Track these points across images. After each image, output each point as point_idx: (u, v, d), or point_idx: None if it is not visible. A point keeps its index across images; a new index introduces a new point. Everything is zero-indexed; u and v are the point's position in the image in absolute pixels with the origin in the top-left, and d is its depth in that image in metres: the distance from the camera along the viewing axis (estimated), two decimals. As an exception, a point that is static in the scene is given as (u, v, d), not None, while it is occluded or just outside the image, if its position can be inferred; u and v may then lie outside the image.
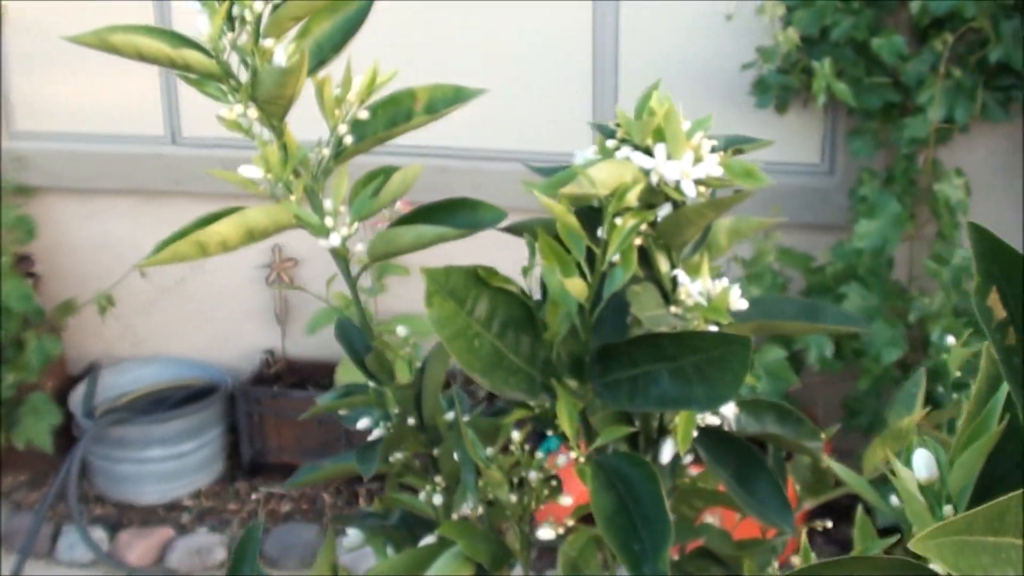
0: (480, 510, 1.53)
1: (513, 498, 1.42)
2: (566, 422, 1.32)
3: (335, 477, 1.64)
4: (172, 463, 4.29)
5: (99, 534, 4.13)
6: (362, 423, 1.63)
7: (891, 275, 3.82)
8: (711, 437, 1.43)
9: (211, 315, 4.63)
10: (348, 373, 4.29)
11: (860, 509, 1.49)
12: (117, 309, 4.53)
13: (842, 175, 4.02)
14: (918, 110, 3.70)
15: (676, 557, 1.62)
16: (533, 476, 1.43)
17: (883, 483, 1.48)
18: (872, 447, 1.65)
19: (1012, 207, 3.95)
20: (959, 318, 3.69)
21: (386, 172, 1.58)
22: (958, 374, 1.76)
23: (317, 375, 4.51)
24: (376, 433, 1.62)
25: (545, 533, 1.45)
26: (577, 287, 1.25)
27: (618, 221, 1.25)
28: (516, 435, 1.44)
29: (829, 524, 1.78)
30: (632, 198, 1.23)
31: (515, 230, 1.48)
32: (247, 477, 4.44)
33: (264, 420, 4.35)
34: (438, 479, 1.60)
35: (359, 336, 1.60)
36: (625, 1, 4.00)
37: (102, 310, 4.39)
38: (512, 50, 4.14)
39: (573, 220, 1.24)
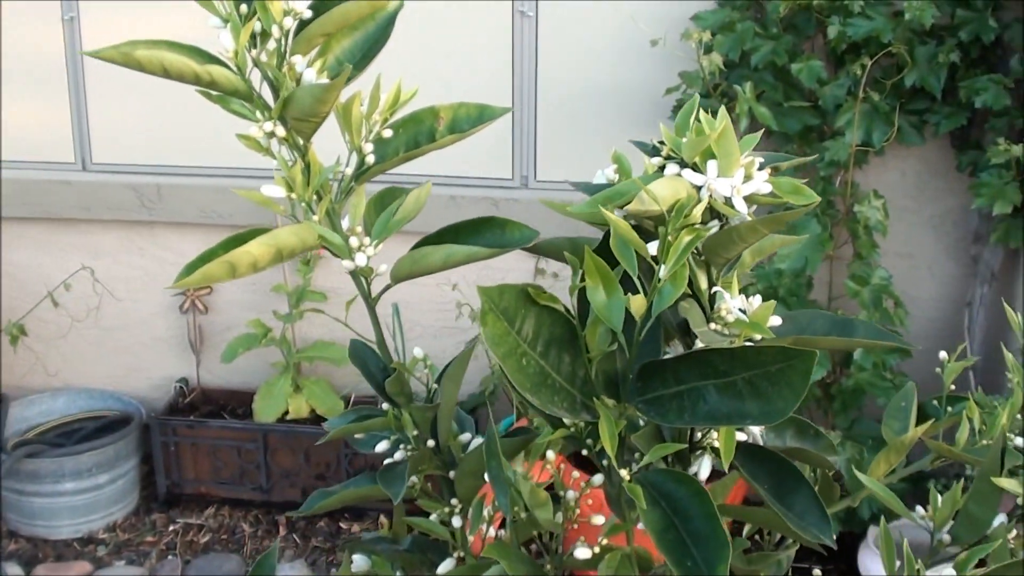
0: (504, 532, 1.52)
1: (549, 517, 1.41)
2: (607, 440, 1.32)
3: (349, 503, 1.61)
4: (86, 496, 4.20)
5: (14, 570, 4.02)
6: (381, 446, 1.60)
7: (811, 295, 3.87)
8: (747, 452, 1.43)
9: (124, 344, 4.55)
10: (267, 401, 4.24)
11: (883, 521, 1.51)
12: (27, 339, 4.43)
13: (760, 197, 4.06)
14: (836, 133, 3.76)
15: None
16: (571, 495, 1.42)
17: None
18: (876, 461, 1.67)
19: (925, 230, 4.04)
20: (879, 337, 3.75)
21: (396, 192, 1.56)
22: (952, 388, 1.79)
23: (233, 404, 4.45)
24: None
25: (582, 553, 1.45)
26: (637, 303, 1.25)
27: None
28: (551, 454, 1.43)
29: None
30: (697, 214, 1.23)
31: (543, 250, 1.48)
32: (163, 508, 4.36)
33: (180, 450, 4.28)
34: (454, 501, 1.59)
35: (374, 358, 1.58)
36: (545, 29, 4.02)
37: (13, 340, 4.29)
38: (433, 79, 4.13)
39: (635, 235, 1.24)
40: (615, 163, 1.40)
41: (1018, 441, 1.61)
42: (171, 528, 4.26)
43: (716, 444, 1.43)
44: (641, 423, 1.43)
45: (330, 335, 4.36)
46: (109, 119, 4.31)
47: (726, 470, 1.38)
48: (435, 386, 1.61)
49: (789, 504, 1.41)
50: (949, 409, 1.80)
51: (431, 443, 1.58)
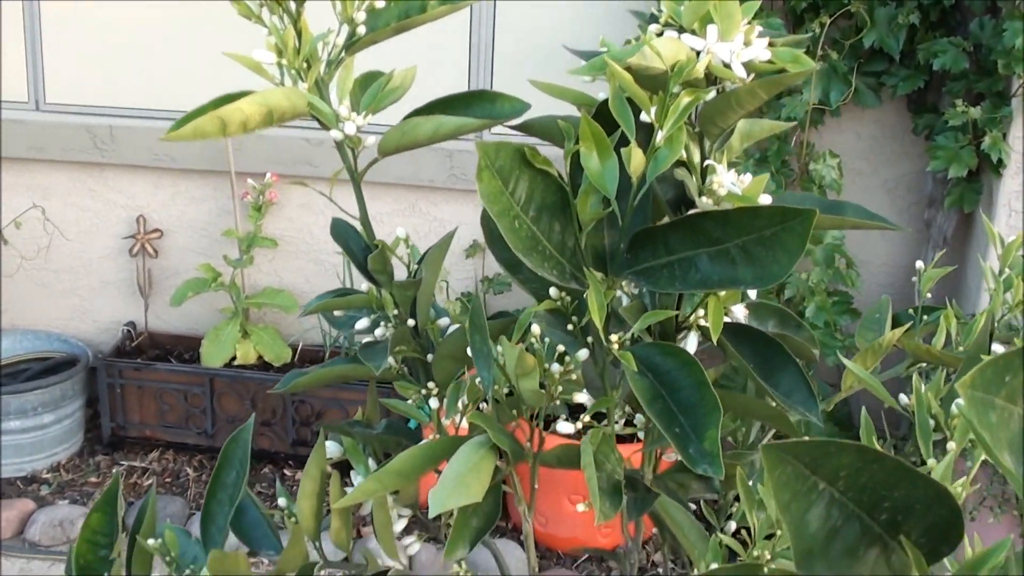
0: (485, 407, 1.51)
1: (536, 388, 1.41)
2: (595, 310, 1.31)
3: (327, 382, 1.59)
4: (30, 435, 4.15)
5: (-45, 508, 3.98)
6: (361, 323, 1.59)
7: (764, 253, 3.88)
8: (734, 330, 1.43)
9: (71, 287, 4.50)
10: (214, 346, 4.21)
11: (864, 412, 1.52)
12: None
13: (716, 155, 4.08)
14: (794, 91, 3.78)
15: (655, 473, 1.63)
16: (555, 368, 1.42)
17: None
18: (853, 363, 1.68)
19: (879, 194, 4.07)
20: (831, 296, 3.78)
21: (378, 74, 1.55)
22: (928, 296, 1.80)
23: (179, 349, 4.42)
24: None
25: (564, 428, 1.44)
26: (637, 159, 1.24)
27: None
28: (536, 328, 1.42)
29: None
30: (700, 69, 1.23)
31: (535, 129, 1.47)
32: (108, 451, 4.32)
33: (126, 393, 4.24)
34: (431, 385, 1.58)
35: (356, 237, 1.57)
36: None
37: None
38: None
39: (637, 88, 1.23)
40: (603, 45, 1.39)
41: (998, 348, 1.62)
42: (115, 470, 4.22)
43: (703, 322, 1.43)
44: (627, 300, 1.43)
45: (279, 282, 4.34)
46: (64, 59, 4.26)
47: (715, 343, 1.38)
48: (416, 266, 1.60)
49: (775, 383, 1.41)
50: (925, 318, 1.82)
51: (411, 323, 1.57)
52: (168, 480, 4.19)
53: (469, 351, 1.43)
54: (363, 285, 1.60)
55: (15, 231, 4.35)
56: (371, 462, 1.68)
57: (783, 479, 0.85)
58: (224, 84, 1.43)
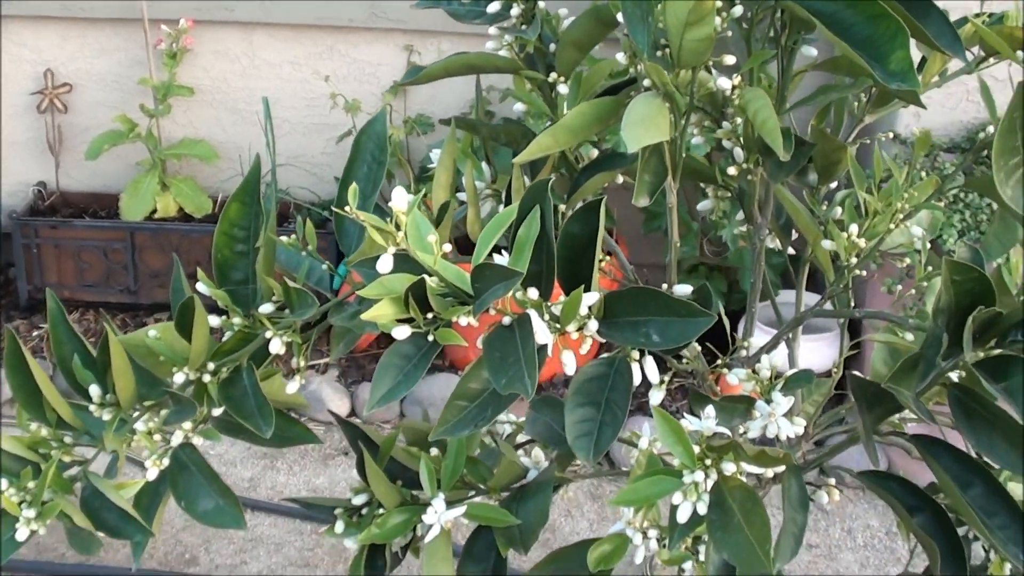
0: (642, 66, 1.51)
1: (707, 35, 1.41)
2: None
3: (454, 72, 1.58)
4: (-56, 302, 4.03)
5: None
6: (492, 7, 1.57)
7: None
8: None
9: (-26, 148, 4.35)
10: (134, 200, 4.12)
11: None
12: None
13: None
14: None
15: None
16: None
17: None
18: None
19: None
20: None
21: None
22: None
23: (95, 207, 4.31)
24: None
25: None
26: None
27: None
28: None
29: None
30: None
31: None
32: (25, 315, 4.21)
33: (42, 253, 4.11)
34: (553, 75, 1.59)
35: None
36: None
37: None
38: None
39: None
40: None
41: None
42: (35, 334, 4.11)
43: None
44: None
45: (195, 133, 4.25)
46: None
47: None
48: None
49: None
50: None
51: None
52: (92, 340, 4.08)
53: (620, 17, 1.44)
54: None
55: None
56: (484, 165, 1.68)
57: None
58: None
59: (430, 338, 1.20)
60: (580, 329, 1.27)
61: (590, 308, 1.26)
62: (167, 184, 4.16)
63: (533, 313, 1.23)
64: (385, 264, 1.14)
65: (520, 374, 1.15)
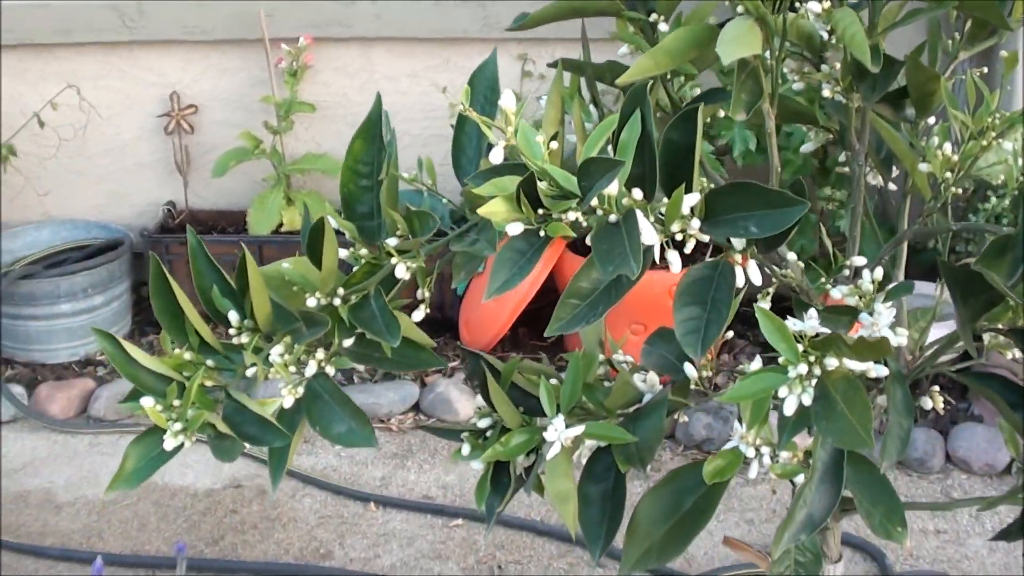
0: None
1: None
2: None
3: (562, 15, 1.67)
4: (82, 318, 4.17)
5: (17, 390, 3.99)
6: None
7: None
8: None
9: (106, 172, 4.51)
10: (261, 214, 4.25)
11: None
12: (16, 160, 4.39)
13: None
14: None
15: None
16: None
17: None
18: None
19: None
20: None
21: None
22: None
23: (222, 224, 4.45)
24: None
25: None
26: None
27: None
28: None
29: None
30: None
31: None
32: (158, 330, 4.33)
33: (174, 269, 4.26)
34: (653, 16, 1.66)
35: None
36: None
37: (3, 160, 4.25)
38: None
39: None
40: None
41: None
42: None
43: None
44: None
45: (318, 148, 4.39)
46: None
47: None
48: None
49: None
50: None
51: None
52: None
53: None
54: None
55: (51, 112, 4.34)
56: (591, 107, 1.76)
57: None
58: None
59: (541, 234, 1.28)
60: (683, 230, 1.35)
61: (692, 208, 1.34)
62: (292, 198, 4.30)
63: (638, 212, 1.30)
64: (497, 155, 1.23)
65: (626, 259, 1.22)
